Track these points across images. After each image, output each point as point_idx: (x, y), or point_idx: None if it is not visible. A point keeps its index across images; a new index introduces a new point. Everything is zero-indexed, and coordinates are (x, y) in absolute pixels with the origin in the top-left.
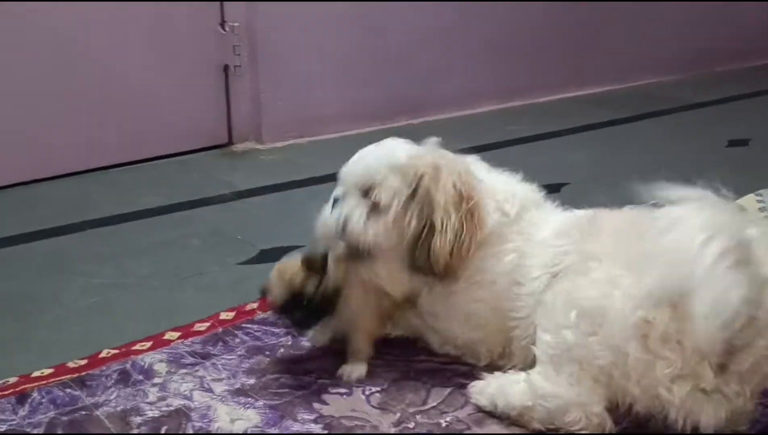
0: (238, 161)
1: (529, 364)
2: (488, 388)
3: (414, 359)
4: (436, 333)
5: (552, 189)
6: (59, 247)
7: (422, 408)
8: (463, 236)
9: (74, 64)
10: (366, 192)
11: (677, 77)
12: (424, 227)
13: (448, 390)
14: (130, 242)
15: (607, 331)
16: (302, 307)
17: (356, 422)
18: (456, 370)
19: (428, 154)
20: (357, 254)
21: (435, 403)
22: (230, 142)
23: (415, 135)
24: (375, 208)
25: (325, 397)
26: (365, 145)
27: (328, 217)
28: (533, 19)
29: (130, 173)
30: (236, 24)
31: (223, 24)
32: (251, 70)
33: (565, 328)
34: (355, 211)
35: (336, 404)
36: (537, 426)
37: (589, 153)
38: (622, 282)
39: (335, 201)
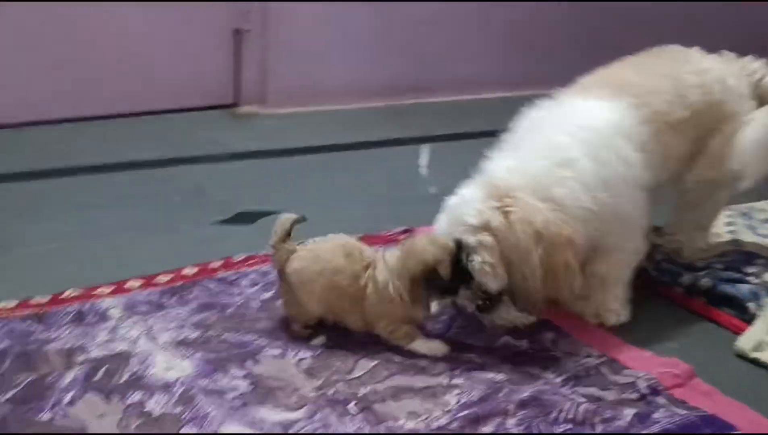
0: (238, 123)
1: None
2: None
3: (350, 331)
4: None
5: None
6: (38, 190)
7: (346, 377)
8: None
9: (87, 20)
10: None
11: None
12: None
13: (374, 363)
14: (109, 192)
15: None
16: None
17: (280, 383)
18: (386, 344)
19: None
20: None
21: (359, 374)
22: (236, 104)
23: (420, 115)
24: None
25: (259, 357)
26: (367, 120)
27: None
28: (558, 11)
29: (133, 125)
30: None
31: None
32: (261, 36)
33: None
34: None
35: (267, 364)
36: None
37: None
38: None
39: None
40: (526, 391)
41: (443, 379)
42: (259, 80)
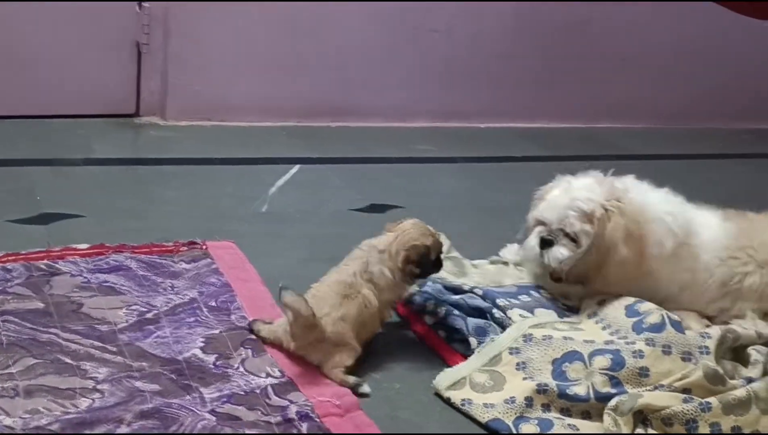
0: (128, 132)
1: None
2: None
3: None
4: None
5: (377, 209)
6: None
7: None
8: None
9: None
10: (563, 232)
11: (645, 126)
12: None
13: (36, 362)
14: None
15: None
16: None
17: None
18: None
19: (607, 196)
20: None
21: (15, 370)
22: (137, 114)
23: (331, 138)
24: (571, 245)
25: None
26: (265, 138)
27: (532, 249)
28: (486, 48)
29: (19, 127)
30: (147, 5)
31: (140, 3)
32: (162, 49)
33: None
34: (559, 252)
35: None
36: None
37: (468, 183)
38: None
39: (542, 239)
40: (154, 403)
41: (90, 383)
42: (160, 92)
